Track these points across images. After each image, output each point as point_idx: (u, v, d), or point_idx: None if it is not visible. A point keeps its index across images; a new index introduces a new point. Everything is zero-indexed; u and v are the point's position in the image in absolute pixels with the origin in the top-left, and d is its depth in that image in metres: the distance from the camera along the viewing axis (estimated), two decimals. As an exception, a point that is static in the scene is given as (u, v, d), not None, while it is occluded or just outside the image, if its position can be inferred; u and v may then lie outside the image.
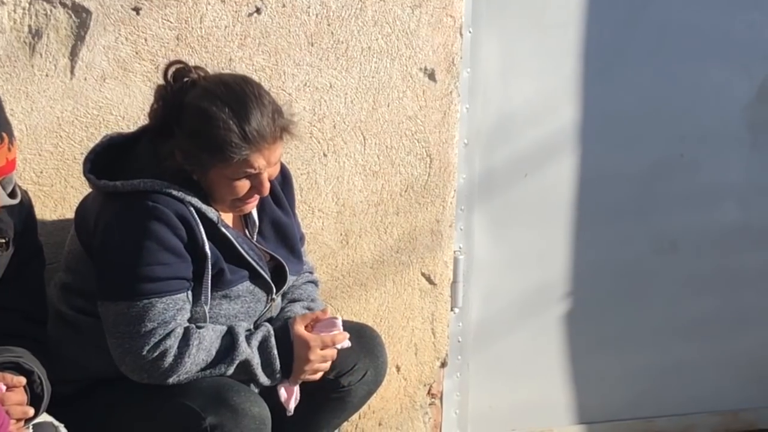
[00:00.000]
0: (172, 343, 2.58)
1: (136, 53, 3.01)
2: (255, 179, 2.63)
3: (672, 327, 3.89)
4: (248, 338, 2.68)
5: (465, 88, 3.46)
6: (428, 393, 3.54)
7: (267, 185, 2.66)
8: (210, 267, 2.66)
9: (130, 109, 3.02)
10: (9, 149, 2.27)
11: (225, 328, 2.67)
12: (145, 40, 3.02)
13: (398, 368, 3.46)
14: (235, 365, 2.64)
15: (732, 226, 3.91)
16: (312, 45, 3.19)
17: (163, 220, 2.59)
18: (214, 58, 3.09)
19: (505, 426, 3.77)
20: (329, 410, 2.95)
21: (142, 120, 2.99)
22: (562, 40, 3.62)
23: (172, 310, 2.60)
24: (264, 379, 2.69)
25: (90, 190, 2.75)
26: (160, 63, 3.03)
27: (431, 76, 3.34)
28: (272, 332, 2.71)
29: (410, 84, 3.33)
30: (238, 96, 2.61)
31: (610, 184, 3.75)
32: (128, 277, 2.58)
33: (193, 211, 2.63)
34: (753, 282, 3.97)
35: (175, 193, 2.61)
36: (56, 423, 2.45)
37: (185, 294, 2.62)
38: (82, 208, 2.75)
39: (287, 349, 2.70)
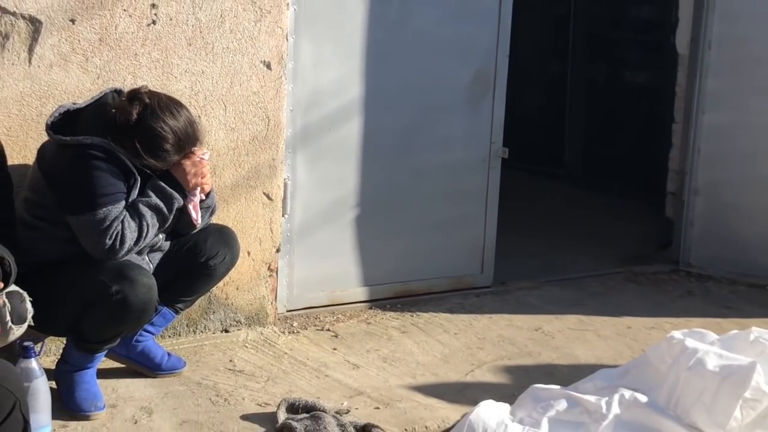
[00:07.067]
0: (120, 228, 2.60)
1: (73, 49, 3.02)
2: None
3: (423, 225, 3.97)
4: (145, 195, 2.69)
5: (290, 74, 3.49)
6: (268, 268, 3.54)
7: None
8: (138, 185, 2.66)
9: (68, 86, 3.03)
10: None
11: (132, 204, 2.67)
12: (79, 40, 3.03)
13: (249, 253, 3.45)
14: (149, 214, 2.65)
15: (458, 162, 4.01)
16: (190, 45, 3.21)
17: (103, 158, 2.62)
18: (124, 53, 3.09)
19: (318, 288, 3.79)
20: (201, 282, 3.01)
21: (77, 94, 3.01)
22: (352, 43, 3.68)
23: (120, 210, 2.63)
24: (168, 203, 2.68)
25: (46, 139, 2.75)
26: (89, 56, 3.04)
27: (268, 66, 3.37)
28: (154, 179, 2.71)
29: (255, 71, 3.34)
30: (180, 125, 2.65)
31: (383, 135, 3.82)
32: (89, 196, 2.61)
33: (124, 158, 2.65)
34: (471, 197, 4.09)
35: (107, 146, 2.63)
36: (21, 291, 2.40)
37: (124, 200, 2.66)
38: (42, 149, 2.75)
39: (167, 177, 2.71)
